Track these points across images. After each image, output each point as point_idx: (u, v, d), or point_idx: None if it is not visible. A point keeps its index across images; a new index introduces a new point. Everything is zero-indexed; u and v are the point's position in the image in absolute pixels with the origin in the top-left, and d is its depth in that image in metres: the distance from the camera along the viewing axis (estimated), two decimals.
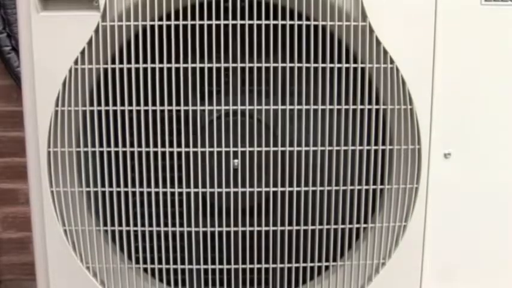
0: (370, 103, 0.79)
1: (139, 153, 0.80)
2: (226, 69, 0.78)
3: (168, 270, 0.84)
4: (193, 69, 0.78)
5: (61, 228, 0.82)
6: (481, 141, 0.84)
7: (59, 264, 0.83)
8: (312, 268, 0.84)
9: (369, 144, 0.80)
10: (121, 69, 0.77)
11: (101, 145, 0.79)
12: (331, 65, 0.78)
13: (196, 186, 0.81)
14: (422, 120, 0.80)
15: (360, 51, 0.78)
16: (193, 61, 0.77)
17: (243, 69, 0.78)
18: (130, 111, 0.78)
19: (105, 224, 0.82)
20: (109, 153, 0.80)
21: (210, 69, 0.78)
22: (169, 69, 0.77)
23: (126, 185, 0.81)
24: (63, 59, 0.77)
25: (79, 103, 0.78)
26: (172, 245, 0.83)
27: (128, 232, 0.83)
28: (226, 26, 0.76)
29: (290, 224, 0.82)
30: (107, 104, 0.78)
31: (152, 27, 0.76)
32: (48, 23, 0.76)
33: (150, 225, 0.82)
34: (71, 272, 0.83)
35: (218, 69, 0.78)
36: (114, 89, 0.78)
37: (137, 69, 0.77)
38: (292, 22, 0.77)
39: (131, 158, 0.80)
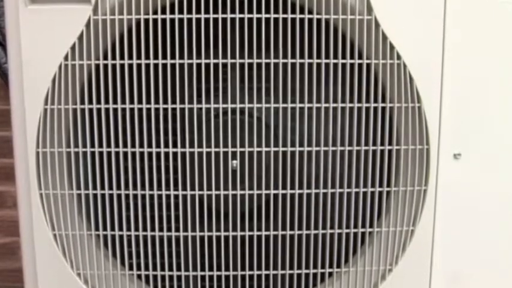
0: (376, 101, 0.79)
1: (133, 153, 0.79)
2: (225, 65, 0.78)
3: (163, 277, 0.84)
4: (190, 65, 0.78)
5: (50, 233, 0.82)
6: (492, 141, 0.84)
7: (48, 271, 0.83)
8: (315, 275, 0.84)
9: (374, 144, 0.80)
10: (113, 66, 0.77)
11: (92, 145, 0.79)
12: (335, 61, 0.78)
13: (193, 188, 0.81)
14: (431, 119, 0.80)
15: (366, 47, 0.78)
16: (190, 57, 0.77)
17: (242, 65, 0.78)
18: (124, 110, 0.78)
19: (96, 228, 0.82)
20: (101, 153, 0.80)
21: (207, 65, 0.78)
22: (164, 65, 0.77)
23: (119, 187, 0.80)
24: (53, 55, 0.77)
25: (69, 101, 0.78)
26: (168, 250, 0.83)
27: (121, 237, 0.82)
28: (224, 19, 0.76)
29: (292, 228, 0.82)
30: (98, 102, 0.78)
31: (146, 21, 0.76)
32: (37, 16, 0.76)
33: (145, 229, 0.82)
34: (61, 278, 0.83)
35: (216, 66, 0.78)
36: (107, 86, 0.78)
37: (130, 66, 0.77)
38: (294, 16, 0.77)
39: (124, 159, 0.80)
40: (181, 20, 0.76)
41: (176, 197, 0.81)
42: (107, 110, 0.78)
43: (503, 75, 0.83)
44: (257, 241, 0.83)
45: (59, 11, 0.75)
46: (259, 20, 0.77)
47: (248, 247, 0.83)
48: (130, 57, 0.77)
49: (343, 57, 0.78)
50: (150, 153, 0.79)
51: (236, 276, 0.84)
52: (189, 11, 0.76)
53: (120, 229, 0.82)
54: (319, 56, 0.78)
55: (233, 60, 0.78)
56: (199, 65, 0.78)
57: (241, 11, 0.76)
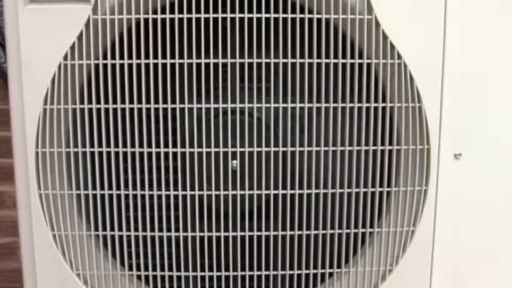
0: (376, 101, 0.79)
1: (133, 153, 0.79)
2: (225, 65, 0.78)
3: (163, 277, 0.84)
4: (190, 65, 0.77)
5: (50, 233, 0.82)
6: (493, 141, 0.84)
7: (47, 271, 0.83)
8: (315, 275, 0.84)
9: (375, 144, 0.80)
10: (113, 65, 0.77)
11: (92, 145, 0.79)
12: (335, 61, 0.78)
13: (192, 188, 0.81)
14: (431, 119, 0.80)
15: (366, 46, 0.78)
16: (190, 56, 0.77)
17: (242, 65, 0.78)
18: (123, 110, 0.78)
19: (96, 229, 0.82)
20: (100, 153, 0.80)
21: (207, 65, 0.78)
22: (164, 65, 0.77)
23: (118, 188, 0.80)
24: (52, 54, 0.77)
25: (69, 101, 0.78)
26: (168, 250, 0.83)
27: (121, 237, 0.82)
28: (224, 19, 0.76)
29: (292, 228, 0.82)
30: (98, 102, 0.78)
31: (146, 20, 0.76)
32: (36, 16, 0.76)
33: (144, 229, 0.82)
34: (61, 279, 0.83)
35: (216, 65, 0.77)
36: (106, 86, 0.77)
37: (130, 65, 0.77)
38: (294, 15, 0.76)
39: (124, 159, 0.80)
40: (181, 20, 0.76)
41: (176, 197, 0.81)
42: (107, 110, 0.78)
43: (504, 75, 0.83)
44: (257, 241, 0.83)
45: (59, 11, 0.75)
46: (259, 19, 0.76)
47: (248, 247, 0.83)
48: (130, 57, 0.77)
49: (343, 57, 0.78)
50: (150, 153, 0.79)
51: (236, 276, 0.84)
52: (189, 11, 0.76)
53: (120, 229, 0.82)
54: (319, 56, 0.78)
55: (233, 60, 0.77)
56: (199, 65, 0.78)
57: (241, 11, 0.76)
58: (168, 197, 0.81)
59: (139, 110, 0.78)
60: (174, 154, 0.80)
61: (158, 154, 0.79)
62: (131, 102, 0.78)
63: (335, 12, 0.76)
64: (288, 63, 0.78)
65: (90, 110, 0.78)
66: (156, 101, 0.78)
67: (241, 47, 0.77)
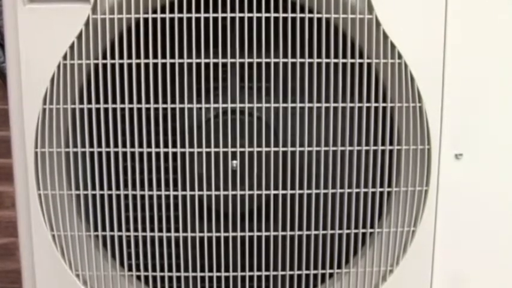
0: (376, 101, 0.79)
1: (132, 153, 0.79)
2: (225, 64, 0.78)
3: (162, 278, 0.84)
4: (190, 65, 0.77)
5: (49, 234, 0.81)
6: (494, 141, 0.84)
7: (46, 272, 0.83)
8: (315, 276, 0.84)
9: (375, 144, 0.80)
10: (112, 65, 0.77)
11: (91, 145, 0.79)
12: (336, 60, 0.78)
13: (192, 188, 0.81)
14: (432, 119, 0.80)
15: (366, 46, 0.77)
16: (190, 56, 0.77)
17: (242, 64, 0.78)
18: (123, 109, 0.78)
19: (95, 229, 0.82)
20: (100, 153, 0.79)
21: (207, 64, 0.77)
22: (163, 64, 0.77)
23: (118, 188, 0.80)
24: (51, 54, 0.76)
25: (68, 101, 0.78)
26: (167, 251, 0.83)
27: (120, 237, 0.82)
28: (224, 19, 0.76)
29: (292, 228, 0.82)
30: (97, 102, 0.78)
31: (146, 20, 0.76)
32: (35, 15, 0.76)
33: (144, 230, 0.82)
34: (60, 280, 0.83)
35: (216, 65, 0.77)
36: (106, 85, 0.77)
37: (130, 65, 0.77)
38: (294, 15, 0.76)
39: (124, 159, 0.79)
40: (180, 19, 0.76)
41: (176, 197, 0.81)
42: (106, 110, 0.78)
43: (504, 75, 0.83)
44: (257, 242, 0.83)
45: (58, 10, 0.75)
46: (259, 19, 0.76)
47: (248, 248, 0.83)
48: (129, 56, 0.76)
49: (344, 57, 0.78)
50: (149, 153, 0.79)
51: (236, 277, 0.84)
52: (189, 10, 0.76)
53: (120, 230, 0.82)
54: (319, 56, 0.77)
55: (233, 60, 0.77)
56: (199, 65, 0.77)
57: (241, 10, 0.76)
58: (168, 197, 0.81)
59: (139, 110, 0.78)
60: (174, 154, 0.79)
61: (158, 154, 0.79)
62: (131, 102, 0.78)
63: (335, 12, 0.76)
64: (288, 63, 0.78)
65: (90, 110, 0.78)
66: (156, 101, 0.78)
67: (241, 47, 0.77)
